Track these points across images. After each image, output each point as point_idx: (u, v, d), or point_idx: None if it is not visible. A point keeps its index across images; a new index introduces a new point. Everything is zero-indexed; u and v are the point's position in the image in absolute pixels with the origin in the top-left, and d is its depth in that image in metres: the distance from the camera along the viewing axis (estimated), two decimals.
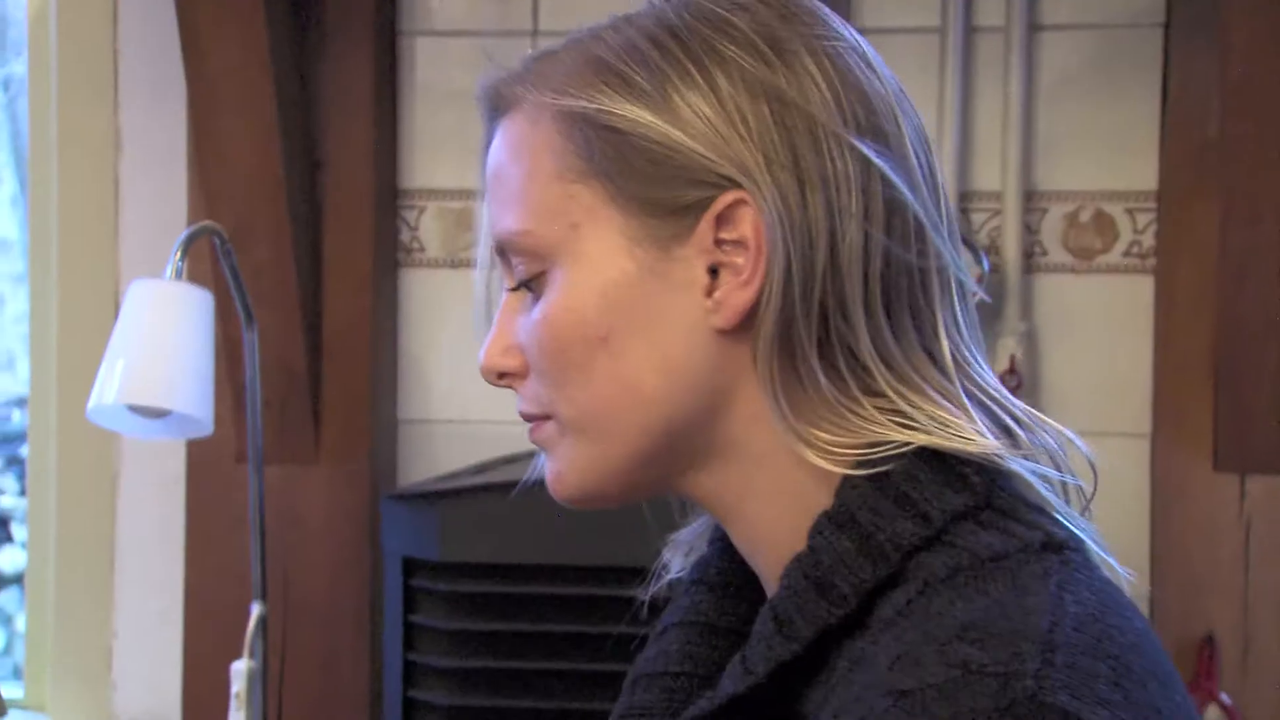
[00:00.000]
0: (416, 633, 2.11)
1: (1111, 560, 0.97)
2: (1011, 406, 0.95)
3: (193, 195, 2.37)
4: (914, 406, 0.92)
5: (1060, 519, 0.94)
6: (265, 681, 2.15)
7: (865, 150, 0.91)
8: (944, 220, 0.96)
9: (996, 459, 0.92)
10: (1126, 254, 2.31)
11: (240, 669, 2.12)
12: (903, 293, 0.93)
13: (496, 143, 0.97)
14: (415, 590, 2.11)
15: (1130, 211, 2.31)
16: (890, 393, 0.92)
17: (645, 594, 1.09)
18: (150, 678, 2.46)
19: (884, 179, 0.92)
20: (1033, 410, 0.96)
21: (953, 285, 0.95)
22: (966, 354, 0.95)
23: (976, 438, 0.91)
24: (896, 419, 0.92)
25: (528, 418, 0.99)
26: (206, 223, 2.04)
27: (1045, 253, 2.32)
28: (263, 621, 2.13)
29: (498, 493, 2.09)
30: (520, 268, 0.96)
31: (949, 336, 0.94)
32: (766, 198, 0.90)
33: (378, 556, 2.26)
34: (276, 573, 2.25)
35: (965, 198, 2.31)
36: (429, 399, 2.40)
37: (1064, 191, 2.32)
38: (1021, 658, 0.83)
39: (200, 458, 2.36)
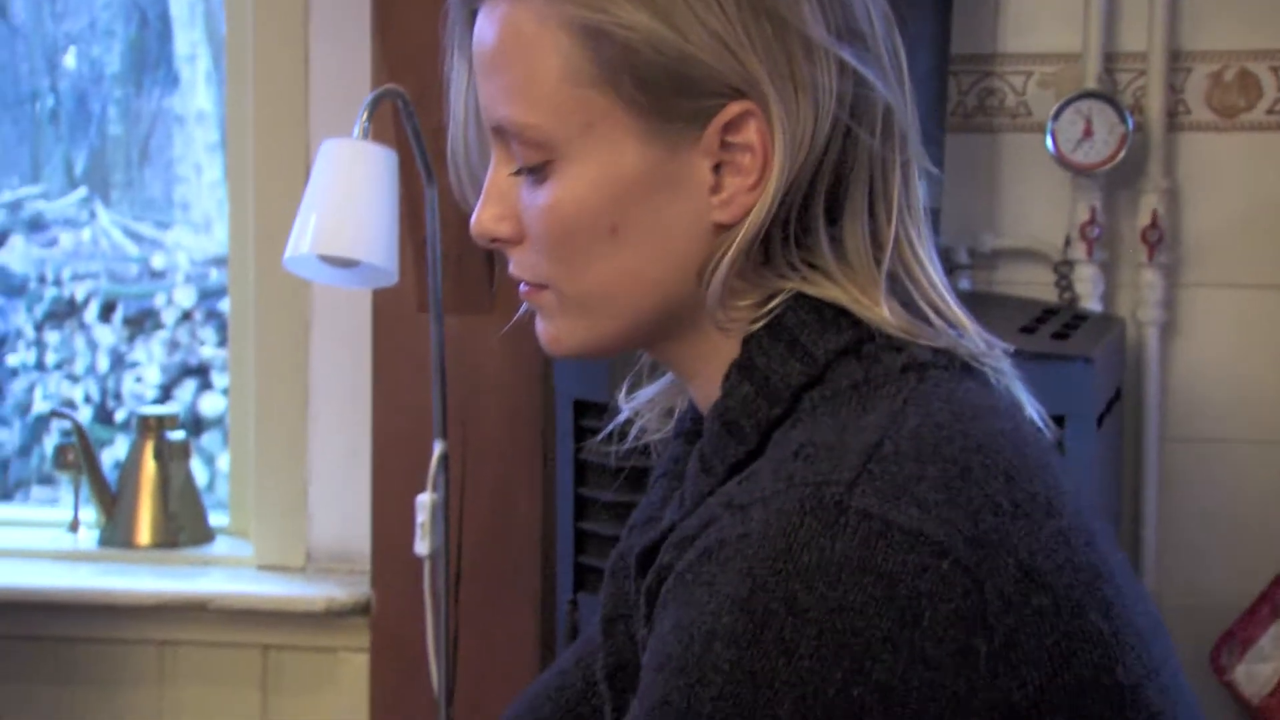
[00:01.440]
0: (586, 469, 2.11)
1: (1017, 383, 1.00)
2: (937, 298, 0.99)
3: (376, 61, 2.35)
4: (819, 273, 0.96)
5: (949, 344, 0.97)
6: (447, 513, 2.18)
7: (848, 58, 0.95)
8: (906, 102, 0.99)
9: (868, 314, 0.96)
10: (1270, 112, 2.23)
11: (425, 501, 2.16)
12: (862, 183, 0.96)
13: (490, 22, 0.97)
14: (585, 430, 2.10)
15: (1274, 70, 2.22)
16: (800, 265, 0.97)
17: (621, 448, 1.14)
18: (342, 509, 2.50)
19: (860, 79, 0.95)
20: (962, 314, 0.99)
21: (913, 171, 0.99)
22: (913, 236, 0.98)
23: (862, 299, 0.96)
24: (792, 275, 0.97)
25: (522, 282, 1.02)
26: (390, 86, 2.04)
27: (1189, 111, 2.25)
28: (444, 458, 2.16)
29: None
30: (523, 154, 0.98)
31: (899, 221, 0.98)
32: (772, 109, 0.94)
33: (549, 398, 2.26)
34: (456, 413, 2.24)
35: (1111, 59, 2.24)
36: None
37: (1209, 51, 2.24)
38: (840, 469, 0.88)
39: (385, 307, 2.36)
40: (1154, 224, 2.21)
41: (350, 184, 1.98)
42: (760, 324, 0.97)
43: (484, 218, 0.99)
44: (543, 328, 1.02)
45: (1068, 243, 2.24)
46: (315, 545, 2.53)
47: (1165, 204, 2.22)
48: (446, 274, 2.17)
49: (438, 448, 2.15)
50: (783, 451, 0.92)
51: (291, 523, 2.53)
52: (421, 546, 2.16)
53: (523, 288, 1.02)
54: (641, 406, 1.12)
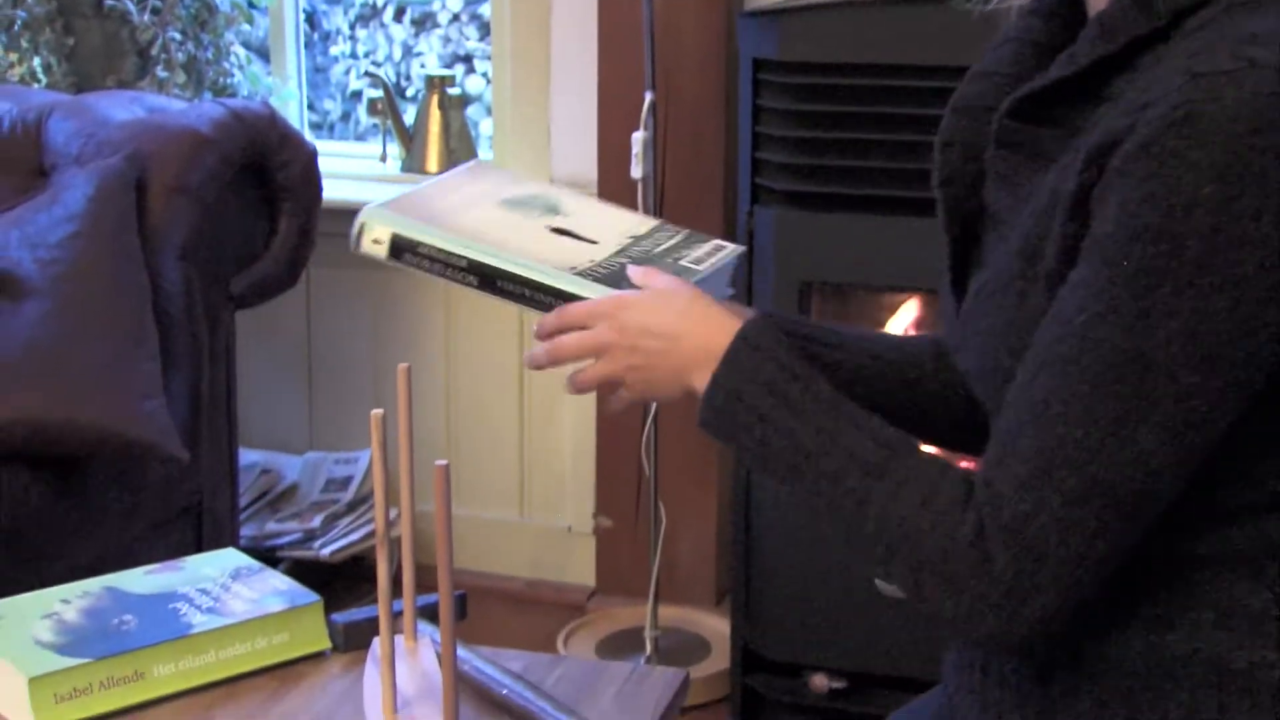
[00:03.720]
0: (761, 112, 2.11)
1: None
2: None
3: None
4: None
5: None
6: (654, 146, 2.24)
7: None
8: None
9: None
10: None
11: (638, 137, 2.23)
12: None
13: None
14: (761, 82, 2.10)
15: None
16: None
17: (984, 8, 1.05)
18: (576, 145, 2.52)
19: None
20: None
21: None
22: None
23: None
24: None
25: None
26: None
27: None
28: (653, 105, 2.22)
29: (828, 9, 2.08)
30: None
31: None
32: None
33: (733, 58, 2.25)
34: (661, 71, 2.25)
35: None
36: None
37: None
38: None
39: None
40: None
41: None
42: None
43: None
44: None
45: None
46: (556, 171, 2.54)
47: None
48: None
49: (648, 97, 2.21)
50: (1232, 36, 0.83)
51: (539, 155, 2.56)
52: (636, 171, 2.24)
53: None
54: None
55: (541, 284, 1.06)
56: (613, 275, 1.08)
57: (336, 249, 2.60)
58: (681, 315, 1.01)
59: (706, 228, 2.29)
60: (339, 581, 2.45)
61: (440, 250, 1.06)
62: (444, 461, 0.81)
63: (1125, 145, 0.83)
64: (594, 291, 1.06)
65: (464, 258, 1.06)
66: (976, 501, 0.88)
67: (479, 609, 1.28)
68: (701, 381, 0.98)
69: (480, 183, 1.16)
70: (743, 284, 2.12)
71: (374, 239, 1.07)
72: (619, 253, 1.11)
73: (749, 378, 0.95)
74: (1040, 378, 0.86)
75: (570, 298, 1.06)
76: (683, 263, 1.13)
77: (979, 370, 0.96)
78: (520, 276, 1.06)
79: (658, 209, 2.29)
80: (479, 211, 1.12)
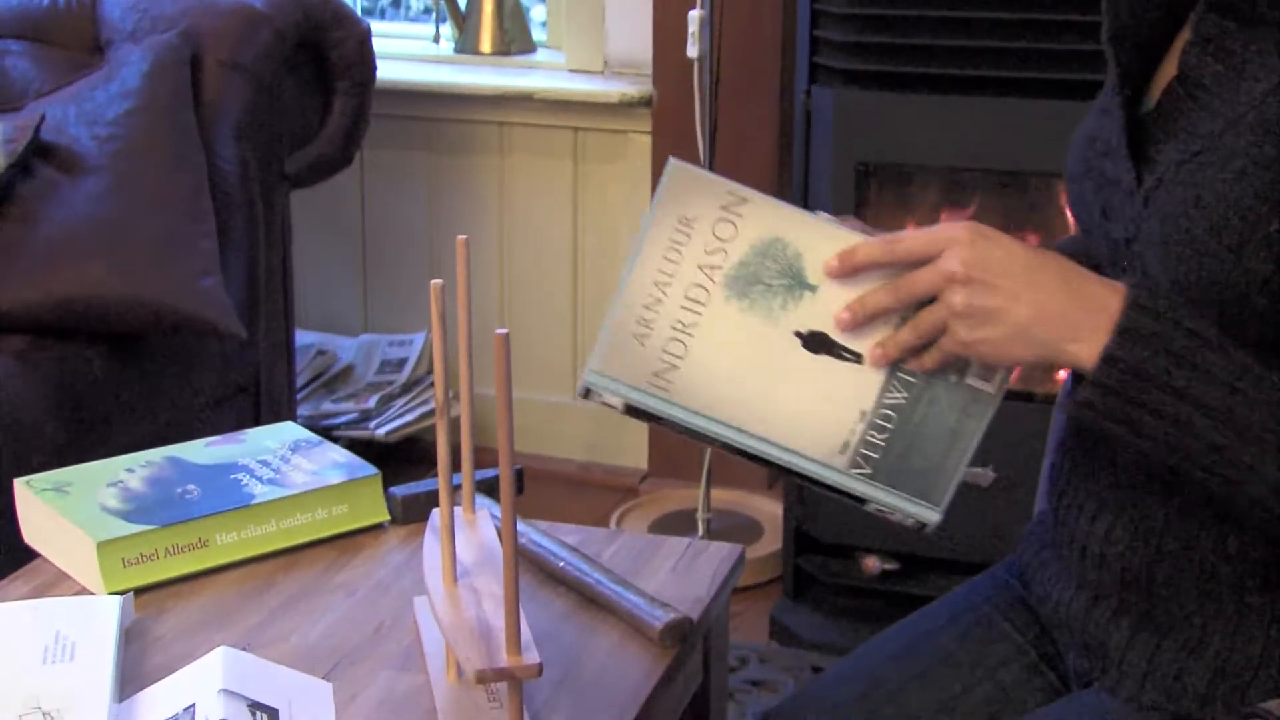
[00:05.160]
0: None
1: None
2: None
3: None
4: None
5: None
6: (711, 25, 2.20)
7: None
8: None
9: None
10: None
11: (695, 15, 2.20)
12: None
13: None
14: None
15: None
16: None
17: None
18: (631, 24, 2.50)
19: None
20: None
21: None
22: None
23: None
24: None
25: None
26: None
27: None
28: None
29: None
30: None
31: None
32: None
33: None
34: None
35: None
36: None
37: None
38: None
39: None
40: None
41: None
42: None
43: None
44: None
45: None
46: (611, 53, 2.53)
47: None
48: None
49: None
50: None
51: (593, 36, 2.54)
52: (692, 50, 2.21)
53: None
54: None
55: (809, 477, 0.92)
56: (892, 468, 0.91)
57: (390, 130, 2.69)
58: (1045, 268, 0.84)
59: (762, 107, 2.37)
60: (394, 462, 2.48)
61: (683, 427, 0.93)
62: (504, 330, 0.79)
63: None
64: (881, 492, 0.91)
65: (712, 438, 0.92)
66: None
67: (533, 490, 1.28)
68: (1081, 354, 0.84)
69: (688, 239, 0.95)
70: (800, 165, 2.12)
71: (605, 402, 0.94)
72: (893, 386, 0.91)
73: (1155, 350, 0.82)
74: None
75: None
76: (968, 381, 0.92)
77: (1163, 239, 0.86)
78: (781, 465, 0.92)
79: (713, 89, 2.24)
80: (708, 329, 0.92)
